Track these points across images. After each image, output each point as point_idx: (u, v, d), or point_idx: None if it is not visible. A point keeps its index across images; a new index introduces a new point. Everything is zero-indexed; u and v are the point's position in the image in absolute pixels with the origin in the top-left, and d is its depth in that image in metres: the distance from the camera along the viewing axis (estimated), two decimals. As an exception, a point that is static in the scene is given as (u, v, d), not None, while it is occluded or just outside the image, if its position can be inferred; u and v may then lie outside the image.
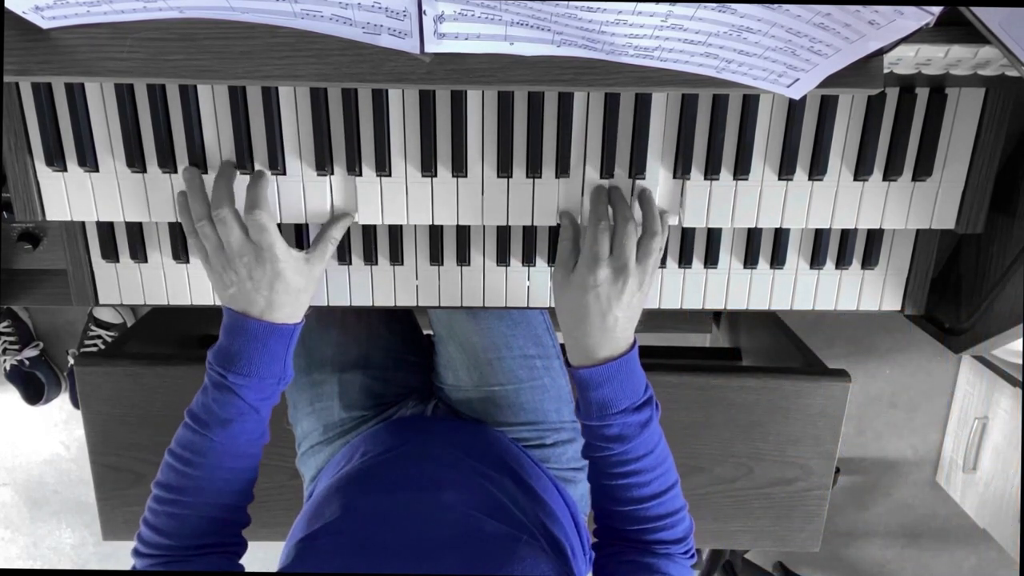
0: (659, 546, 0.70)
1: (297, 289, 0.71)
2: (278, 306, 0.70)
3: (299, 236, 0.80)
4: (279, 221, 0.76)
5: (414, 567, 0.62)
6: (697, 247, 0.82)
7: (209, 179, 0.73)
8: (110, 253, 0.80)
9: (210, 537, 0.71)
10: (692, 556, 0.73)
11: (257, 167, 0.74)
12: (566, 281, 0.70)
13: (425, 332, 1.04)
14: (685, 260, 0.82)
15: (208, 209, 0.70)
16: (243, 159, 0.73)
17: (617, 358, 0.68)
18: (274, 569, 0.68)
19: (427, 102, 0.72)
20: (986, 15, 0.58)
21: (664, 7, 0.53)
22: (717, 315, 1.65)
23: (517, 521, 0.71)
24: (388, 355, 0.96)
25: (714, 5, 0.53)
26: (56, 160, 0.74)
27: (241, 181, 0.73)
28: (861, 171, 0.76)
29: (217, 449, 0.70)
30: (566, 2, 0.53)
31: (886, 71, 0.66)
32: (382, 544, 0.66)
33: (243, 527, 0.75)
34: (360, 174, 0.75)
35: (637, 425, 0.68)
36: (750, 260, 0.82)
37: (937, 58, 0.66)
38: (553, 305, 0.75)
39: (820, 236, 0.81)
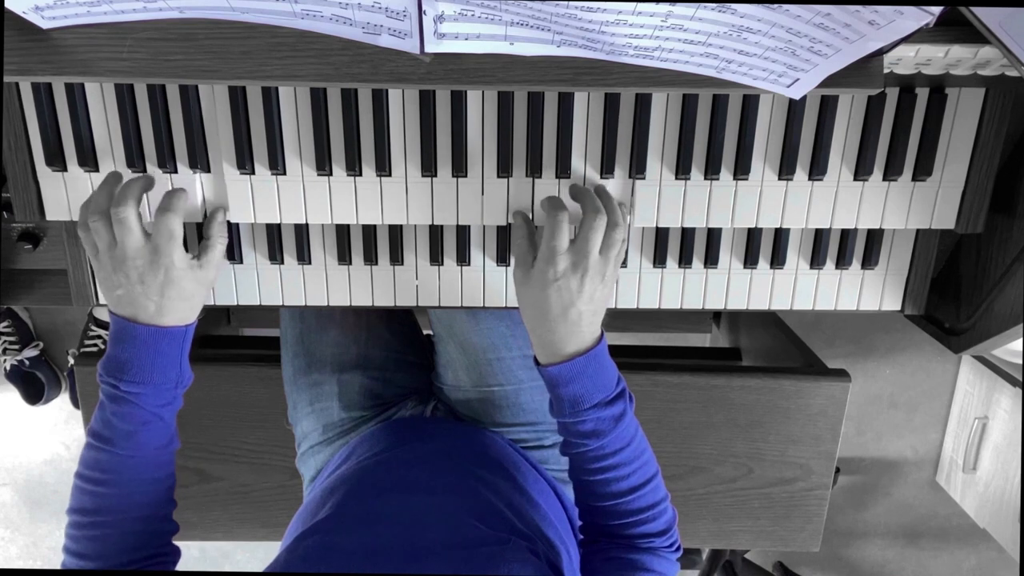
0: (642, 540, 0.70)
1: (190, 295, 0.69)
2: (168, 311, 0.68)
3: (299, 236, 0.80)
4: (279, 221, 0.76)
5: (400, 571, 0.62)
6: (697, 247, 0.82)
7: (211, 183, 0.73)
8: (110, 253, 0.80)
9: (137, 552, 0.70)
10: (678, 549, 0.72)
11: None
12: (526, 277, 0.69)
13: (425, 332, 1.04)
14: (685, 260, 0.82)
15: (107, 206, 0.67)
16: (243, 159, 0.73)
17: (584, 353, 0.67)
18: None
19: (427, 102, 0.72)
20: (986, 15, 0.58)
21: (664, 7, 0.53)
22: (717, 315, 1.65)
23: (508, 525, 0.70)
24: (388, 355, 0.96)
25: (714, 5, 0.53)
26: (56, 160, 0.74)
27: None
28: (861, 171, 0.76)
29: (126, 463, 0.68)
30: (566, 2, 0.53)
31: (886, 71, 0.66)
32: (369, 547, 0.65)
33: (171, 535, 0.74)
34: (360, 174, 0.75)
35: (611, 419, 0.68)
36: (750, 260, 0.82)
37: (937, 58, 0.66)
38: None
39: (820, 236, 0.81)
